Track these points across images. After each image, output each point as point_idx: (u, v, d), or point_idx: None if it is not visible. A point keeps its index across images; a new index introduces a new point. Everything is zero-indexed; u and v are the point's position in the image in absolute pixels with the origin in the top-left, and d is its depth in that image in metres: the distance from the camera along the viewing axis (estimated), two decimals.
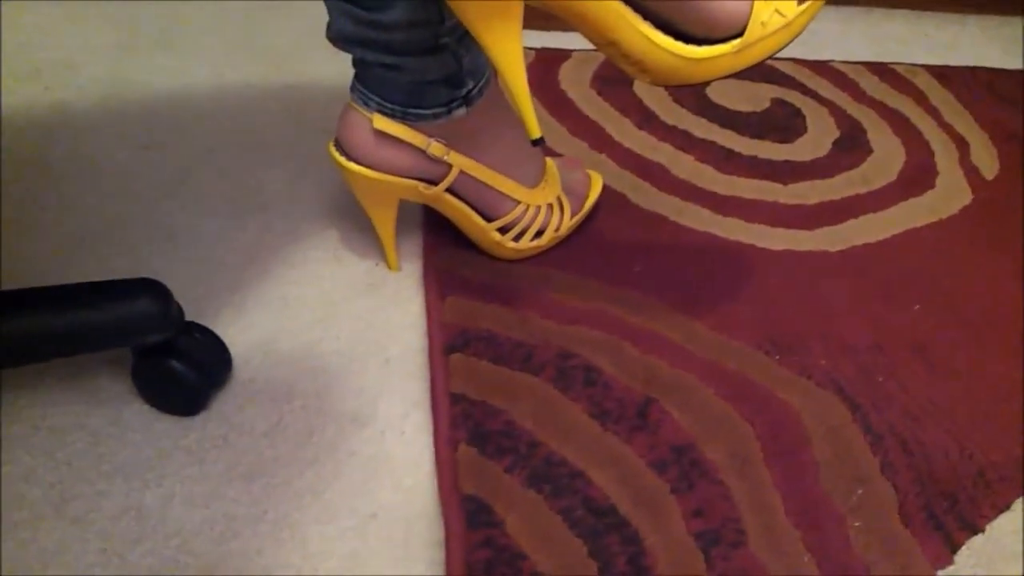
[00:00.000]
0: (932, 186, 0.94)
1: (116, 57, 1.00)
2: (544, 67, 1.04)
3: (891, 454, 0.66)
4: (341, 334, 0.72)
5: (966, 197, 0.93)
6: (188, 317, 0.68)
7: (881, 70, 1.12)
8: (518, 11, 0.53)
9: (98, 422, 0.64)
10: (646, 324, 0.74)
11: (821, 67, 1.11)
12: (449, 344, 0.70)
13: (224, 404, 0.66)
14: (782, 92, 1.05)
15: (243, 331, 0.71)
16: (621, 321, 0.74)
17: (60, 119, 0.90)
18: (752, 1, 0.56)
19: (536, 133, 0.59)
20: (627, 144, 0.95)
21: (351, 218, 0.81)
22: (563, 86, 1.02)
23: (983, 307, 0.80)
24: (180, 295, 0.68)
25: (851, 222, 0.88)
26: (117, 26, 1.05)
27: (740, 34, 0.56)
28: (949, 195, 0.93)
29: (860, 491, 0.63)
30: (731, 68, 0.58)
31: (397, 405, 0.67)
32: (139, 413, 0.65)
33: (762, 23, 0.56)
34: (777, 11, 0.57)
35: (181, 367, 0.64)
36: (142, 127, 0.90)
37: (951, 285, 0.82)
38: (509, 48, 0.54)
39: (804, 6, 0.58)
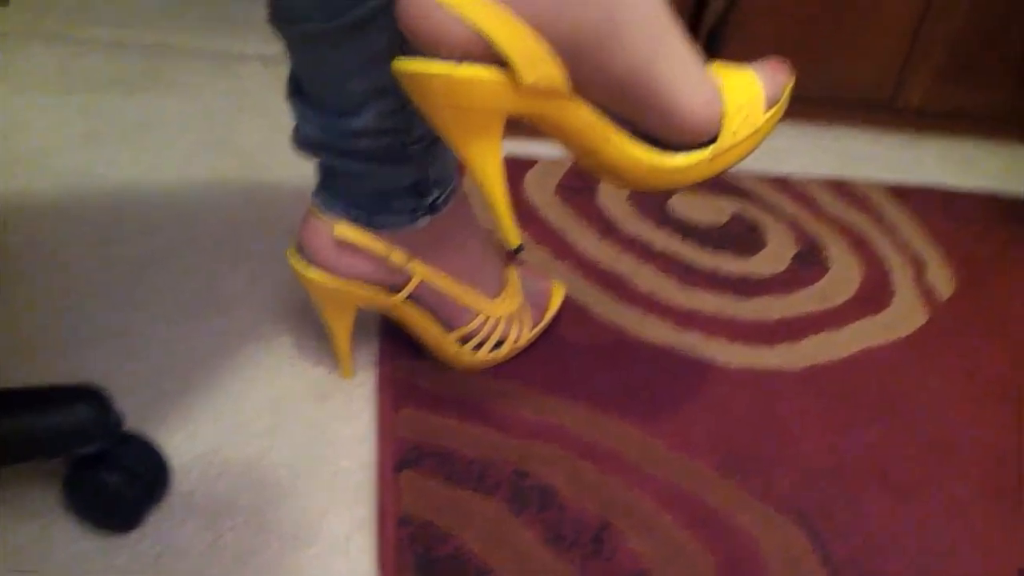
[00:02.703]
0: (888, 305, 0.95)
1: (85, 148, 0.99)
2: (509, 174, 1.04)
3: None
4: (289, 445, 0.70)
5: (922, 317, 0.94)
6: (130, 424, 0.65)
7: (839, 187, 1.14)
8: (499, 126, 0.53)
9: (22, 539, 0.61)
10: (604, 441, 0.73)
11: (781, 182, 1.12)
12: (400, 460, 0.68)
13: (160, 520, 0.63)
14: (742, 206, 1.07)
15: (187, 440, 0.69)
16: (578, 437, 0.73)
17: (24, 207, 0.89)
18: (723, 110, 0.57)
19: (515, 242, 0.59)
20: (590, 254, 0.95)
21: (307, 322, 0.80)
22: (527, 193, 1.02)
23: (940, 430, 0.80)
24: (123, 400, 0.65)
25: (810, 339, 0.88)
26: (89, 117, 1.04)
27: (713, 141, 0.57)
28: (905, 314, 0.94)
29: None
30: (705, 175, 0.58)
31: (342, 524, 0.64)
32: (68, 529, 0.62)
33: (733, 131, 0.57)
34: (746, 119, 0.58)
35: (116, 480, 0.61)
36: (104, 221, 0.89)
37: (908, 407, 0.82)
38: (489, 161, 0.54)
39: (770, 112, 0.59)
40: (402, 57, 0.49)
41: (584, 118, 0.53)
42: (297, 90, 0.60)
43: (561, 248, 0.95)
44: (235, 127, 1.05)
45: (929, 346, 0.90)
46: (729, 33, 1.15)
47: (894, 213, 1.11)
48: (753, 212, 1.07)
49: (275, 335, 0.79)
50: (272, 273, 0.85)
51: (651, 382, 0.80)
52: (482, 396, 0.75)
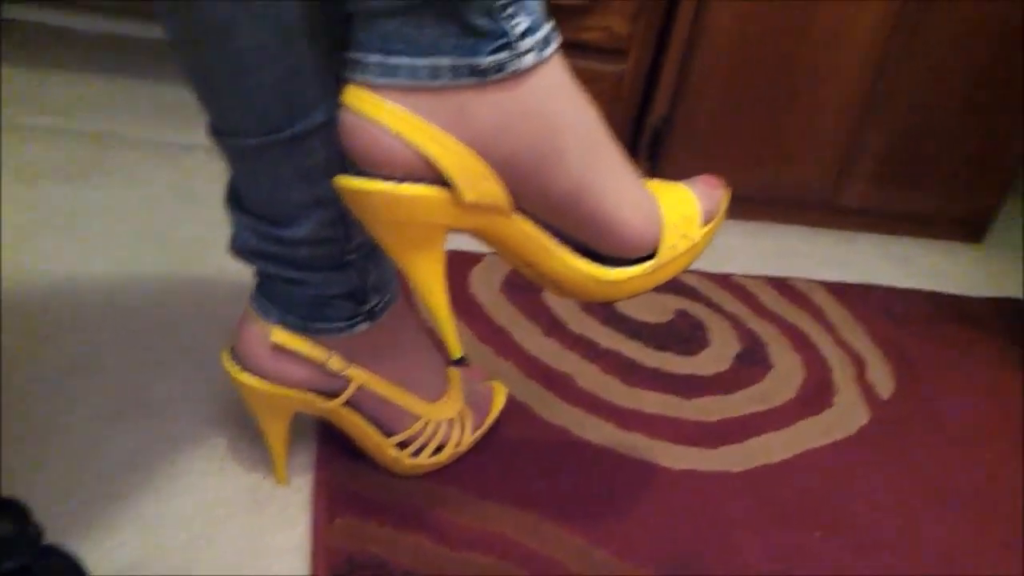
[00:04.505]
0: (830, 404, 0.96)
1: (17, 240, 0.96)
2: (454, 270, 1.05)
3: None
4: (218, 557, 0.67)
5: (863, 417, 0.95)
6: (52, 533, 0.62)
7: (780, 285, 1.16)
8: (441, 240, 0.53)
9: None
10: (543, 550, 0.71)
11: (724, 280, 1.14)
12: (334, 573, 0.66)
13: None
14: (686, 304, 1.08)
15: (111, 551, 0.66)
16: (518, 546, 0.71)
17: None
18: (662, 226, 0.57)
19: (457, 353, 0.59)
20: (534, 352, 0.94)
21: (242, 425, 0.78)
22: (472, 290, 1.02)
23: (882, 532, 0.80)
24: (44, 509, 0.62)
25: (752, 441, 0.88)
26: (20, 208, 1.02)
27: (652, 255, 0.58)
28: (847, 414, 0.95)
29: None
30: (644, 288, 0.59)
31: None
32: None
33: (671, 246, 0.58)
34: (685, 234, 0.59)
35: None
36: (34, 316, 0.86)
37: (851, 509, 0.82)
38: (430, 273, 0.54)
39: (707, 227, 0.61)
40: (342, 175, 0.49)
41: (525, 232, 0.54)
42: (235, 199, 0.60)
43: (505, 346, 0.94)
44: (176, 219, 1.04)
45: (871, 447, 0.91)
46: (671, 139, 1.18)
47: (834, 311, 1.13)
48: (697, 309, 1.08)
49: (209, 439, 0.77)
50: (208, 373, 0.83)
51: (594, 485, 0.79)
52: (421, 502, 0.74)
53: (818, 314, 1.12)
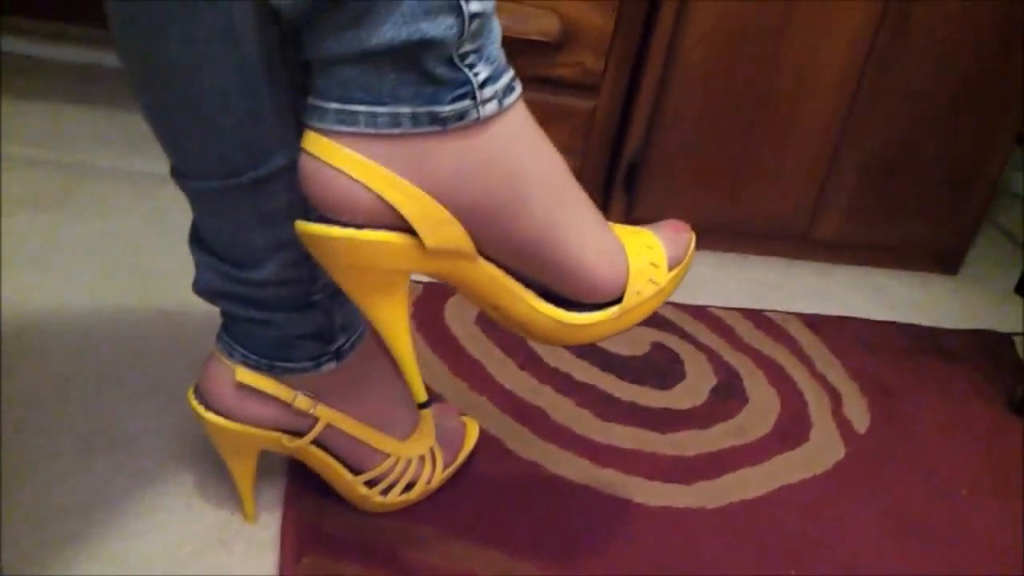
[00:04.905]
0: (806, 439, 0.96)
1: None
2: (429, 302, 1.04)
3: None
4: None
5: (839, 451, 0.95)
6: (10, 571, 0.62)
7: (756, 317, 1.16)
8: (404, 284, 0.53)
9: None
10: None
11: (700, 312, 1.14)
12: None
13: None
14: (662, 336, 1.08)
15: None
16: None
17: None
18: (628, 271, 0.57)
19: (422, 398, 0.59)
20: (508, 386, 0.94)
21: (209, 461, 0.77)
22: (447, 321, 1.02)
23: (857, 568, 0.79)
24: (6, 544, 0.62)
25: (728, 476, 0.88)
26: None
27: (618, 300, 0.57)
28: (823, 449, 0.95)
29: None
30: (611, 332, 0.59)
31: None
32: None
33: (637, 291, 0.58)
34: (651, 279, 0.58)
35: None
36: (3, 346, 0.85)
37: (826, 545, 0.82)
38: (394, 318, 0.54)
39: (673, 272, 0.61)
40: (302, 220, 0.49)
41: (490, 276, 0.54)
42: (198, 239, 0.60)
43: (479, 380, 0.94)
44: (148, 251, 1.03)
45: (847, 482, 0.90)
46: (646, 172, 1.19)
47: (809, 343, 1.13)
48: (673, 342, 1.08)
49: (177, 475, 0.76)
50: (178, 408, 0.82)
51: (567, 522, 0.78)
52: (390, 541, 0.73)
53: (794, 347, 1.12)
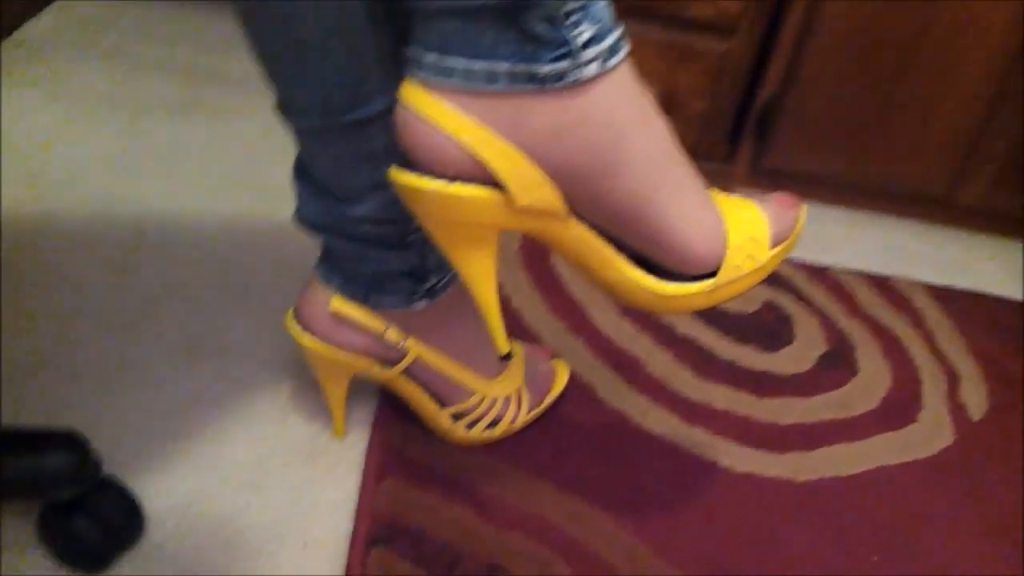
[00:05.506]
0: (914, 420, 0.91)
1: (116, 171, 1.00)
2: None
3: None
4: (266, 506, 0.70)
5: (948, 437, 0.90)
6: (111, 465, 0.66)
7: (880, 283, 1.10)
8: (493, 239, 0.53)
9: None
10: (585, 539, 0.71)
11: (820, 273, 1.09)
12: (374, 537, 0.67)
13: (127, 567, 0.64)
14: (775, 295, 1.04)
15: (166, 488, 0.69)
16: (560, 532, 0.71)
17: (45, 228, 0.90)
18: (725, 245, 0.55)
19: (504, 350, 0.59)
20: (606, 331, 0.93)
21: (306, 376, 0.79)
22: (554, 260, 1.01)
23: (944, 564, 0.76)
24: (108, 439, 0.66)
25: (822, 450, 0.85)
26: (122, 139, 1.05)
27: (713, 274, 0.55)
28: (930, 433, 0.90)
29: None
30: (703, 305, 0.57)
31: None
32: (38, 565, 0.62)
33: (735, 267, 0.55)
34: (749, 255, 0.56)
35: (87, 527, 0.62)
36: (123, 248, 0.90)
37: (914, 537, 0.78)
38: (481, 271, 0.54)
39: (776, 250, 0.58)
40: (397, 168, 0.49)
41: (581, 238, 0.52)
42: (302, 172, 0.60)
43: (579, 322, 0.93)
44: (267, 162, 1.05)
45: (950, 472, 0.86)
46: (780, 120, 1.12)
47: (935, 317, 1.07)
48: (786, 302, 1.03)
49: (272, 385, 0.79)
50: (278, 321, 0.85)
51: (646, 478, 0.78)
52: (469, 473, 0.74)
53: (917, 319, 1.06)
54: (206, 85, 1.17)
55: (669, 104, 1.06)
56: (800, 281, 1.07)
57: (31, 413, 0.72)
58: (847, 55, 1.08)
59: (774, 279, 1.06)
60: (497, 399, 0.74)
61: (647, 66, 1.03)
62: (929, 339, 1.03)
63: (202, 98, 1.14)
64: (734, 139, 1.17)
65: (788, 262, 1.09)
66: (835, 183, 1.19)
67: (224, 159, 1.05)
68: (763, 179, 1.19)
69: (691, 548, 0.72)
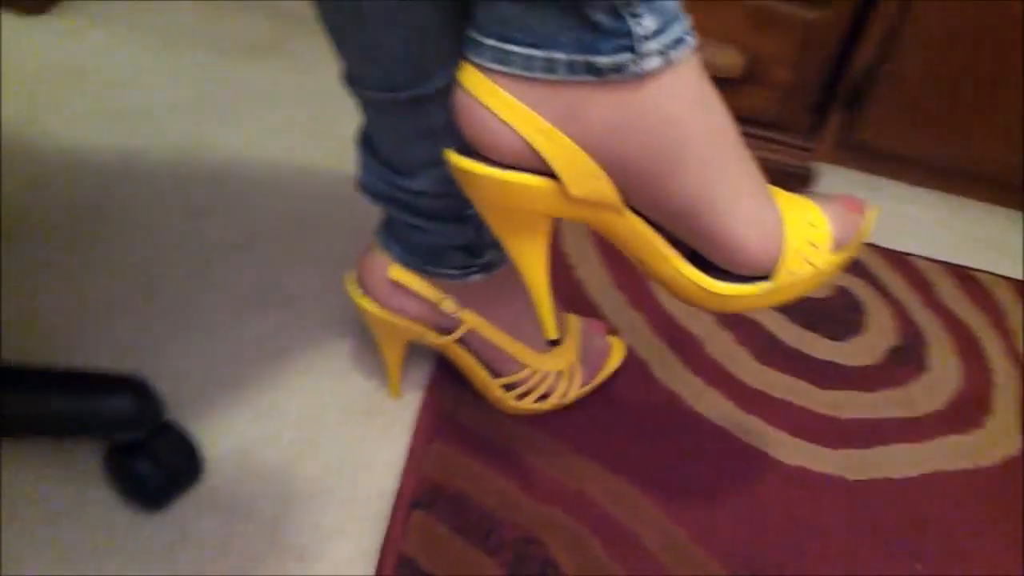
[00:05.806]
0: (980, 425, 0.88)
1: (197, 114, 1.02)
2: None
3: None
4: (319, 458, 0.72)
5: (1014, 446, 0.87)
6: (173, 409, 0.69)
7: (962, 275, 1.05)
8: (546, 226, 0.52)
9: (60, 502, 0.65)
10: (624, 520, 0.71)
11: (899, 260, 1.05)
12: (417, 499, 0.69)
13: (183, 509, 0.67)
14: (850, 281, 1.01)
15: (224, 434, 0.72)
16: (599, 511, 0.72)
17: (124, 168, 0.93)
18: (782, 248, 0.54)
19: (552, 335, 0.59)
20: (667, 306, 0.92)
21: (368, 333, 0.81)
22: None
23: None
24: (172, 382, 0.69)
25: (879, 449, 0.83)
26: (206, 81, 1.07)
27: (768, 276, 0.54)
28: (995, 440, 0.87)
29: None
30: (758, 307, 0.56)
31: (347, 551, 0.66)
32: (103, 499, 0.66)
33: (791, 271, 0.54)
34: (808, 260, 0.54)
35: (147, 469, 0.65)
36: (199, 192, 0.92)
37: (964, 549, 0.76)
38: (533, 256, 0.54)
39: (837, 256, 0.56)
40: (453, 151, 0.49)
41: (636, 231, 0.52)
42: (364, 142, 0.61)
43: (642, 298, 0.92)
44: (346, 113, 1.06)
45: (1012, 484, 0.83)
46: (874, 93, 1.07)
47: (1017, 316, 1.02)
48: (860, 288, 1.00)
49: (334, 341, 0.81)
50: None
51: (693, 462, 0.78)
52: (516, 444, 0.75)
53: (997, 316, 1.01)
54: (290, 30, 1.17)
55: (751, 72, 1.02)
56: (878, 267, 1.04)
57: (101, 356, 0.75)
58: (953, 28, 1.02)
59: (850, 264, 1.03)
60: (549, 373, 0.74)
61: (730, 31, 0.99)
62: (1007, 338, 0.99)
63: (284, 44, 1.15)
64: (819, 111, 1.13)
65: (867, 246, 1.06)
66: (927, 163, 1.14)
67: (303, 106, 1.06)
68: (850, 154, 1.15)
69: (729, 539, 0.72)
